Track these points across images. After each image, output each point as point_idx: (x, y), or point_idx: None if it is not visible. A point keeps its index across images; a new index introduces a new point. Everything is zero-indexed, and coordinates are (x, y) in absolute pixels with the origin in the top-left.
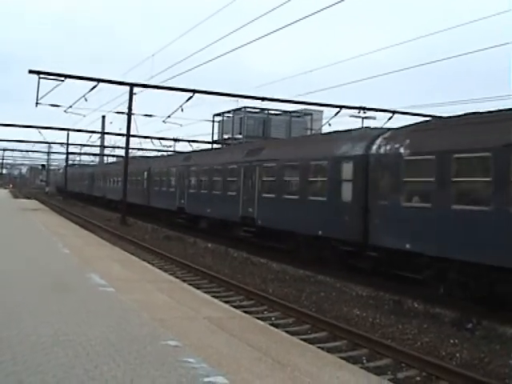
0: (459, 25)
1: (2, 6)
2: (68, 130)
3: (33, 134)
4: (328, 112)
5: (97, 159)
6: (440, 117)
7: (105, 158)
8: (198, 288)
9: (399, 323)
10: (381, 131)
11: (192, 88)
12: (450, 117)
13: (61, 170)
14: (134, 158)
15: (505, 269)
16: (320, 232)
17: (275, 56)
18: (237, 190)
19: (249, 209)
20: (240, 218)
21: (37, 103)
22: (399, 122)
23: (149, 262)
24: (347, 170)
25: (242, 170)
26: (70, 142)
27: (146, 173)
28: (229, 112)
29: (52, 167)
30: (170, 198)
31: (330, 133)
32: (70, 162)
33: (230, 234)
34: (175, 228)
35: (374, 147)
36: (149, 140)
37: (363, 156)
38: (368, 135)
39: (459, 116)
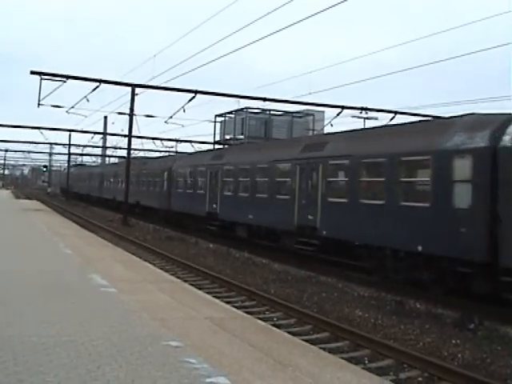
0: (461, 25)
1: (2, 6)
2: (70, 130)
3: (34, 135)
4: (330, 113)
5: (99, 160)
6: (442, 117)
7: (106, 158)
8: (199, 288)
9: (401, 324)
10: (507, 117)
11: (194, 89)
12: None
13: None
14: (136, 158)
15: None
16: (420, 247)
17: (277, 57)
18: (290, 192)
19: (308, 216)
20: (296, 227)
21: (39, 104)
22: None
23: (150, 263)
24: (463, 167)
25: (297, 168)
26: (71, 142)
27: (166, 173)
28: (230, 113)
29: (54, 168)
30: (197, 202)
31: (421, 122)
32: (73, 163)
33: (279, 245)
34: (177, 229)
35: (507, 137)
36: (150, 140)
37: (487, 149)
38: (489, 122)
39: None
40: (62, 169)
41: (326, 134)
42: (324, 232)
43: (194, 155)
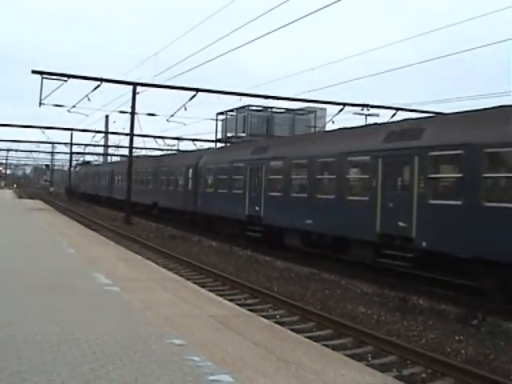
0: (462, 21)
1: (2, 6)
2: (72, 129)
3: (36, 134)
4: (331, 110)
5: (101, 158)
6: (446, 114)
7: (108, 157)
8: (202, 286)
9: (404, 320)
10: None
11: (195, 87)
12: None
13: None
14: (138, 157)
15: None
16: None
17: (268, 58)
18: (369, 192)
19: (398, 222)
20: (377, 237)
21: (40, 103)
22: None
23: (153, 261)
24: None
25: (379, 162)
26: (73, 141)
27: (190, 170)
28: (232, 110)
29: (56, 167)
30: (234, 204)
31: None
32: (75, 162)
33: (351, 257)
34: (180, 227)
35: None
36: (152, 139)
37: None
38: None
39: None
40: (66, 168)
41: (419, 118)
42: (424, 243)
43: (226, 149)
